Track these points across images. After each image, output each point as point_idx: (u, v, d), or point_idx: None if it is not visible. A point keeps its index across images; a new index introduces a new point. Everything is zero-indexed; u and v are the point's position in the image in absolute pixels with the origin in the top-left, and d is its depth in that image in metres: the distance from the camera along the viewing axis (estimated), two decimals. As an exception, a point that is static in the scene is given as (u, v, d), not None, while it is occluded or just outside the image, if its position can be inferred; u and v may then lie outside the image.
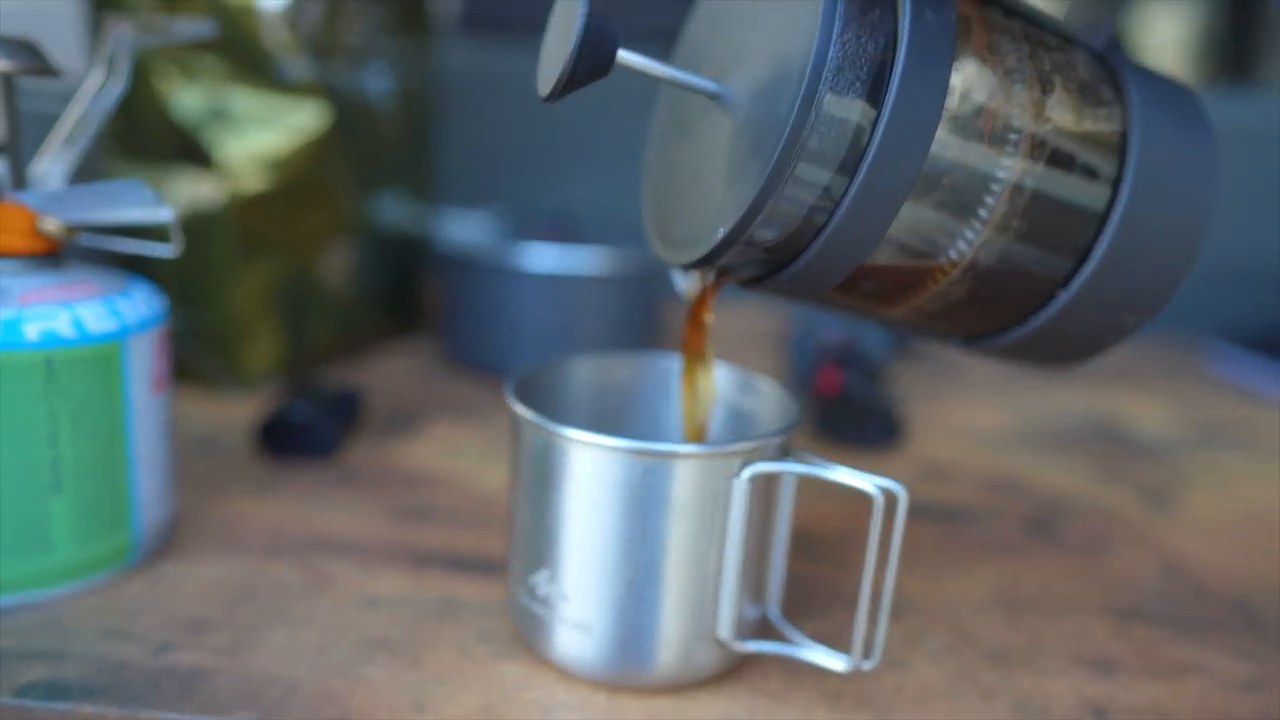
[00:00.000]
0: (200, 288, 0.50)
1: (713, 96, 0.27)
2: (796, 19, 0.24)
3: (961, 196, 0.25)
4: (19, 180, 0.31)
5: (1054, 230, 0.26)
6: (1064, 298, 0.27)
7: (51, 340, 0.29)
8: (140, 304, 0.32)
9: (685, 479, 0.27)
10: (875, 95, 0.23)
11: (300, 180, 0.52)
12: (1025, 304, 0.28)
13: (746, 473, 0.27)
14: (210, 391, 0.51)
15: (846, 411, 0.50)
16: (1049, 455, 0.52)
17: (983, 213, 0.25)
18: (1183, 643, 0.34)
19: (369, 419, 0.50)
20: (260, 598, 0.32)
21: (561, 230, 0.64)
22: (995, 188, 0.25)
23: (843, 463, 0.48)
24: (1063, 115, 0.26)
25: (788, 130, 0.23)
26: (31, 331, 0.29)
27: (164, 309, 0.33)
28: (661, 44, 0.83)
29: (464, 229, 0.64)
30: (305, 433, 0.43)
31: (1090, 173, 0.26)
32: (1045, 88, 0.26)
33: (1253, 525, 0.45)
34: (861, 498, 0.44)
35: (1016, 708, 0.29)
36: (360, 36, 0.54)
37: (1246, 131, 0.82)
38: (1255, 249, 0.83)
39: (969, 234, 0.26)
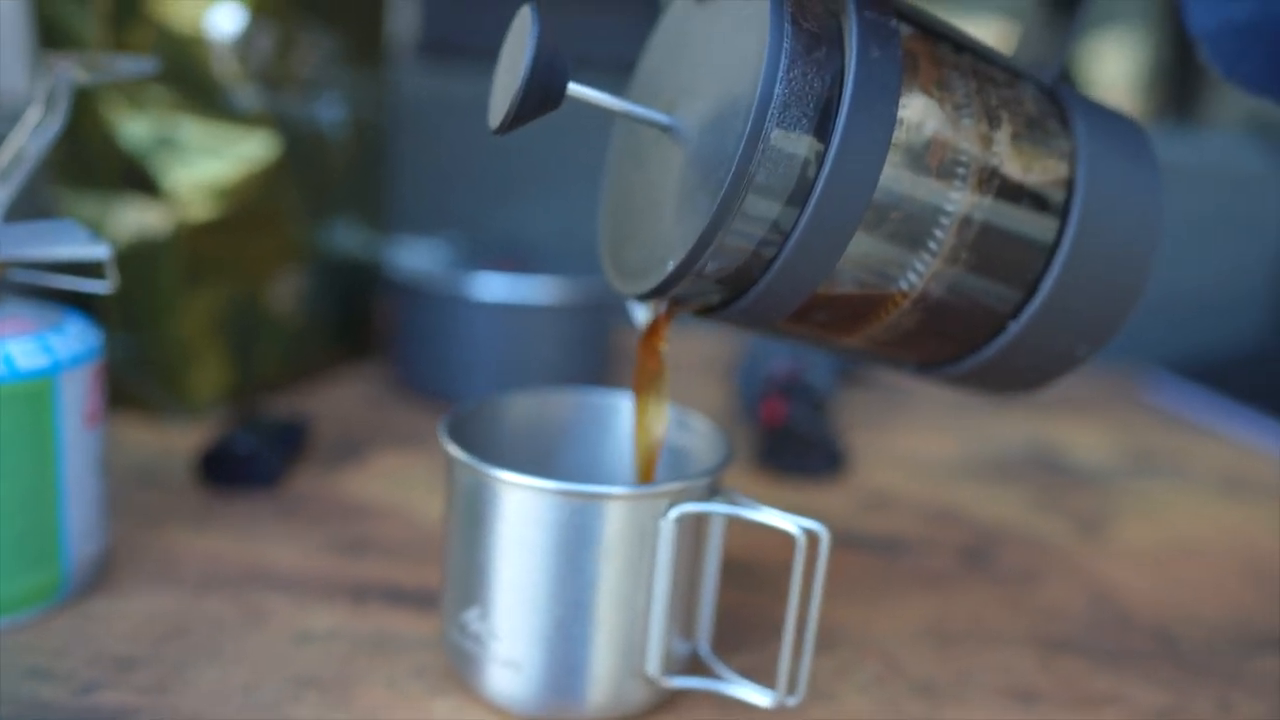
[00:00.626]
0: (146, 315, 0.50)
1: (665, 129, 0.27)
2: (745, 55, 0.25)
3: (910, 229, 0.26)
4: (-49, 214, 0.31)
5: (1003, 262, 0.27)
6: (1014, 328, 0.28)
7: (-20, 376, 0.29)
8: (74, 339, 0.32)
9: (614, 520, 0.27)
10: (823, 131, 0.24)
11: (248, 209, 0.52)
12: (977, 334, 0.28)
13: (674, 513, 0.27)
14: (154, 419, 0.51)
15: (790, 442, 0.51)
16: (988, 485, 0.53)
17: (932, 245, 0.26)
18: (1105, 673, 0.35)
19: (315, 447, 0.50)
20: (191, 634, 0.32)
21: (515, 259, 0.64)
22: (944, 220, 0.26)
23: (785, 493, 0.49)
24: (1010, 150, 0.27)
25: (734, 166, 0.23)
26: (-41, 368, 0.29)
27: (99, 344, 0.33)
28: (621, 75, 0.85)
29: (417, 256, 0.64)
30: (247, 463, 0.43)
31: (1038, 206, 0.27)
32: (993, 123, 0.26)
33: (1179, 555, 0.46)
34: (802, 528, 0.45)
35: (939, 740, 0.30)
36: (313, 68, 0.54)
37: (1189, 167, 0.85)
38: (1195, 282, 0.86)
39: (919, 266, 0.26)
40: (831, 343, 0.29)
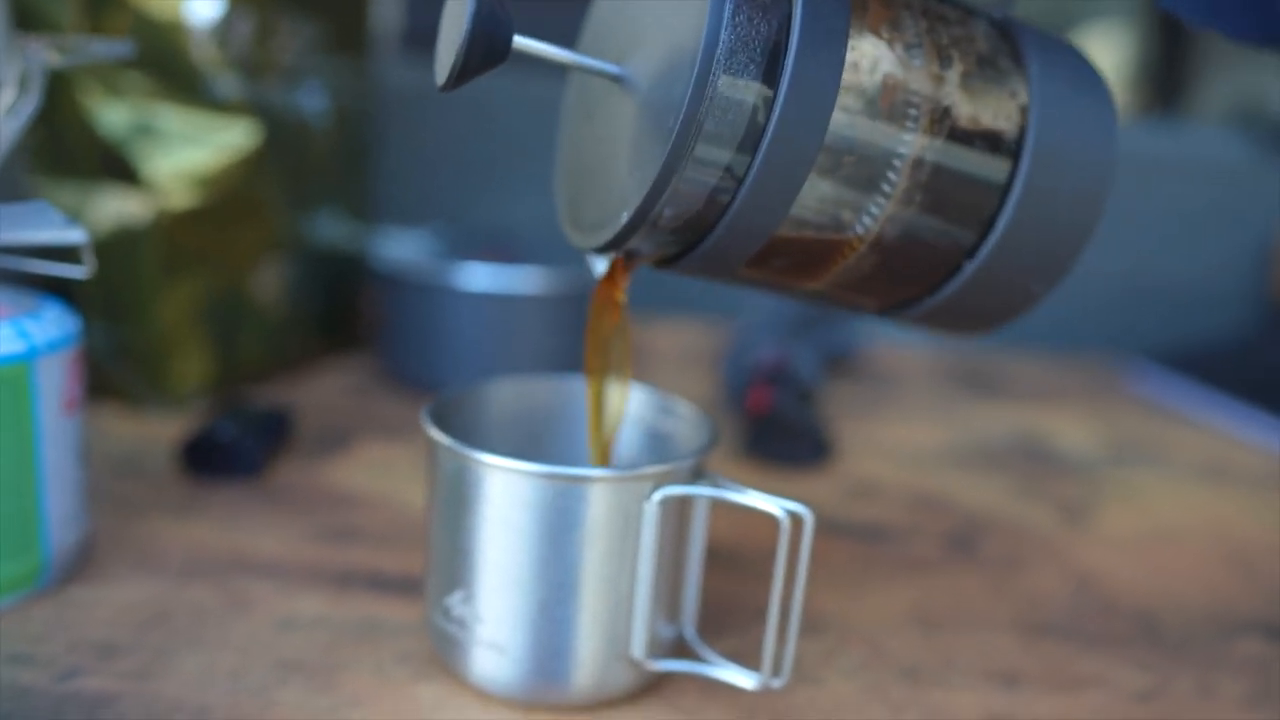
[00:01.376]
0: (126, 304, 0.49)
1: (615, 79, 0.27)
2: (691, 3, 0.24)
3: (863, 172, 0.26)
4: (-74, 198, 0.30)
5: (957, 203, 0.27)
6: (970, 268, 0.28)
7: (-44, 361, 0.29)
8: (51, 325, 0.32)
9: (597, 502, 0.27)
10: (771, 76, 0.24)
11: (229, 197, 0.51)
12: (934, 275, 0.28)
13: (657, 496, 0.27)
14: (136, 410, 0.51)
15: (776, 431, 0.51)
16: (974, 473, 0.53)
17: (886, 187, 0.26)
18: (1087, 656, 0.35)
19: (299, 438, 0.49)
20: (174, 621, 0.32)
21: (500, 249, 0.64)
22: (896, 162, 0.26)
23: (772, 482, 0.49)
24: (962, 90, 0.26)
25: (682, 114, 0.23)
26: (-65, 352, 0.28)
27: (77, 330, 0.33)
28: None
29: (402, 247, 0.64)
30: (230, 452, 0.43)
31: (992, 145, 0.27)
32: (944, 62, 0.26)
33: (1161, 541, 0.46)
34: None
35: (923, 722, 0.30)
36: (294, 55, 0.54)
37: (1174, 159, 0.85)
38: (1180, 274, 0.87)
39: (873, 209, 0.26)
40: (790, 288, 0.29)
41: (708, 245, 0.26)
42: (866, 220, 0.26)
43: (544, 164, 0.82)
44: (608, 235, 0.26)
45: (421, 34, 0.84)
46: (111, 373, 0.50)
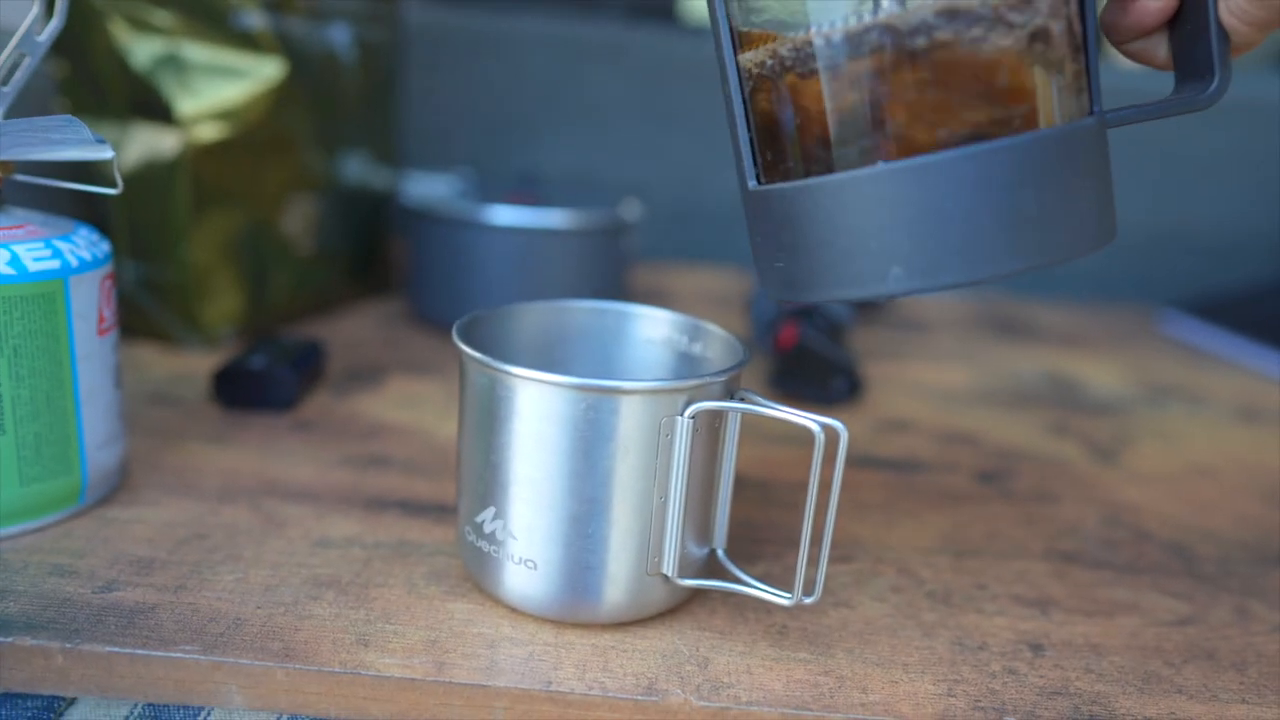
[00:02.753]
0: (157, 241, 0.49)
1: None
2: None
3: None
4: (-43, 117, 0.30)
5: None
6: None
7: (-9, 278, 0.29)
8: (83, 246, 0.32)
9: (630, 415, 0.27)
10: None
11: (258, 131, 0.51)
12: None
13: (690, 410, 0.27)
14: (170, 347, 0.51)
15: (807, 366, 0.50)
16: (1004, 412, 0.53)
17: None
18: (1120, 584, 0.35)
19: (330, 373, 0.50)
20: (210, 539, 0.32)
21: (528, 193, 0.63)
22: None
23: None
24: None
25: None
26: (-29, 269, 0.29)
27: (108, 252, 0.33)
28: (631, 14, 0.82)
29: (428, 189, 0.63)
30: (263, 382, 0.43)
31: None
32: None
33: (1194, 477, 0.46)
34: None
35: (955, 643, 0.30)
36: (318, -13, 0.53)
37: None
38: (1211, 219, 0.85)
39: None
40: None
41: None
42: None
43: (572, 107, 0.81)
44: None
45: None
46: (145, 310, 0.51)
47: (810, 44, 0.24)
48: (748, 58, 0.26)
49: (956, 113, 0.24)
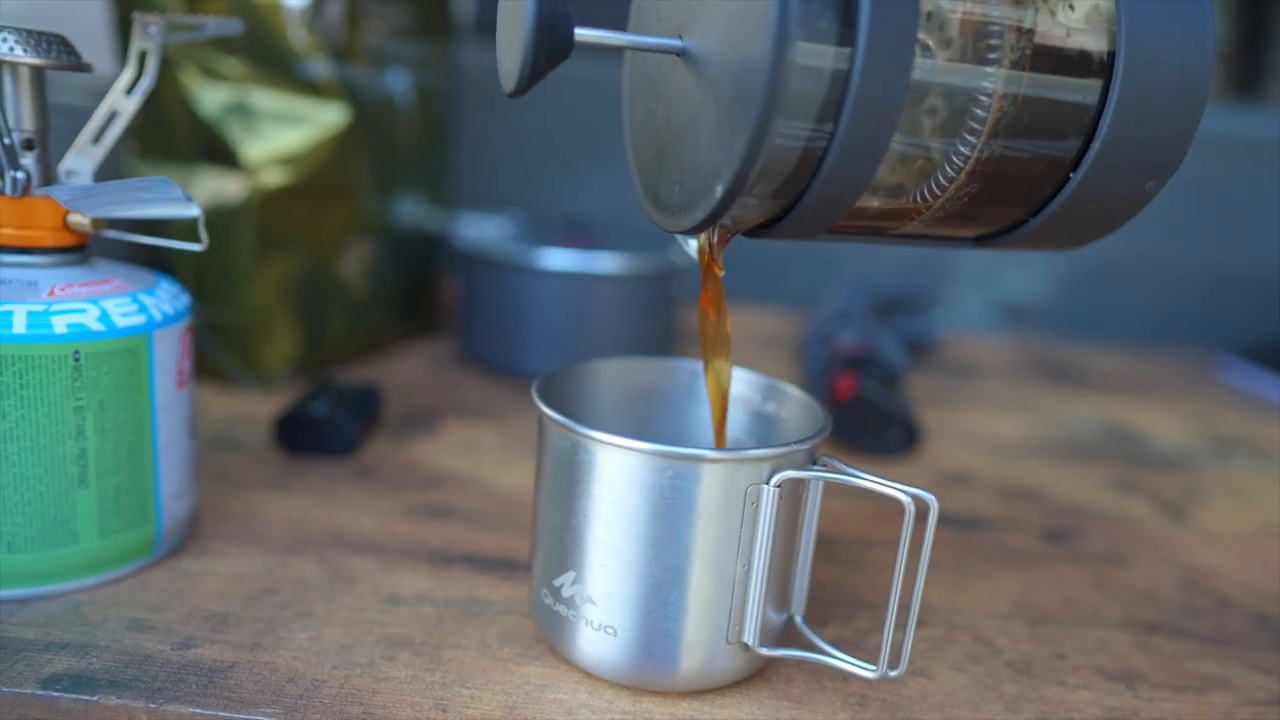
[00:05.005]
0: (220, 283, 0.50)
1: (679, 53, 0.26)
2: None
3: (954, 102, 0.25)
4: (48, 175, 0.31)
5: (1056, 113, 0.26)
6: (1076, 179, 0.27)
7: (80, 334, 0.29)
8: (166, 300, 0.32)
9: (713, 484, 0.26)
10: (846, 24, 0.23)
11: (320, 177, 0.52)
12: (1039, 192, 0.27)
13: (775, 478, 0.27)
14: (227, 387, 0.52)
15: (864, 417, 0.50)
16: (1064, 465, 0.52)
17: (979, 112, 0.25)
18: (1205, 656, 0.34)
19: (386, 417, 0.50)
20: (281, 594, 0.32)
21: (578, 235, 0.64)
22: (987, 85, 0.25)
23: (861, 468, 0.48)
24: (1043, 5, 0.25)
25: (768, 75, 0.22)
26: (59, 325, 0.29)
27: (189, 305, 0.33)
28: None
29: (481, 231, 0.64)
30: (324, 428, 0.43)
31: (1083, 45, 0.25)
32: None
33: (1269, 538, 0.44)
34: (878, 500, 0.44)
35: (1040, 719, 0.29)
36: (381, 39, 0.54)
37: (1255, 144, 0.81)
38: (1262, 262, 0.83)
39: (969, 137, 0.25)
40: (889, 233, 0.28)
41: (805, 204, 0.25)
42: (964, 150, 0.25)
43: (620, 149, 0.82)
44: (701, 213, 0.25)
45: (495, 23, 0.84)
46: (205, 350, 0.51)
47: None
48: None
49: None
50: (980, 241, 0.30)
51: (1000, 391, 0.65)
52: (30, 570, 0.30)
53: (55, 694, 0.26)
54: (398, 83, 0.57)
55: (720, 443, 0.31)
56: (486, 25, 0.84)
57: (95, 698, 0.26)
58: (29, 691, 0.26)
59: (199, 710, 0.26)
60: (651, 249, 0.59)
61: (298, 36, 0.49)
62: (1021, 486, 0.48)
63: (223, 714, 0.26)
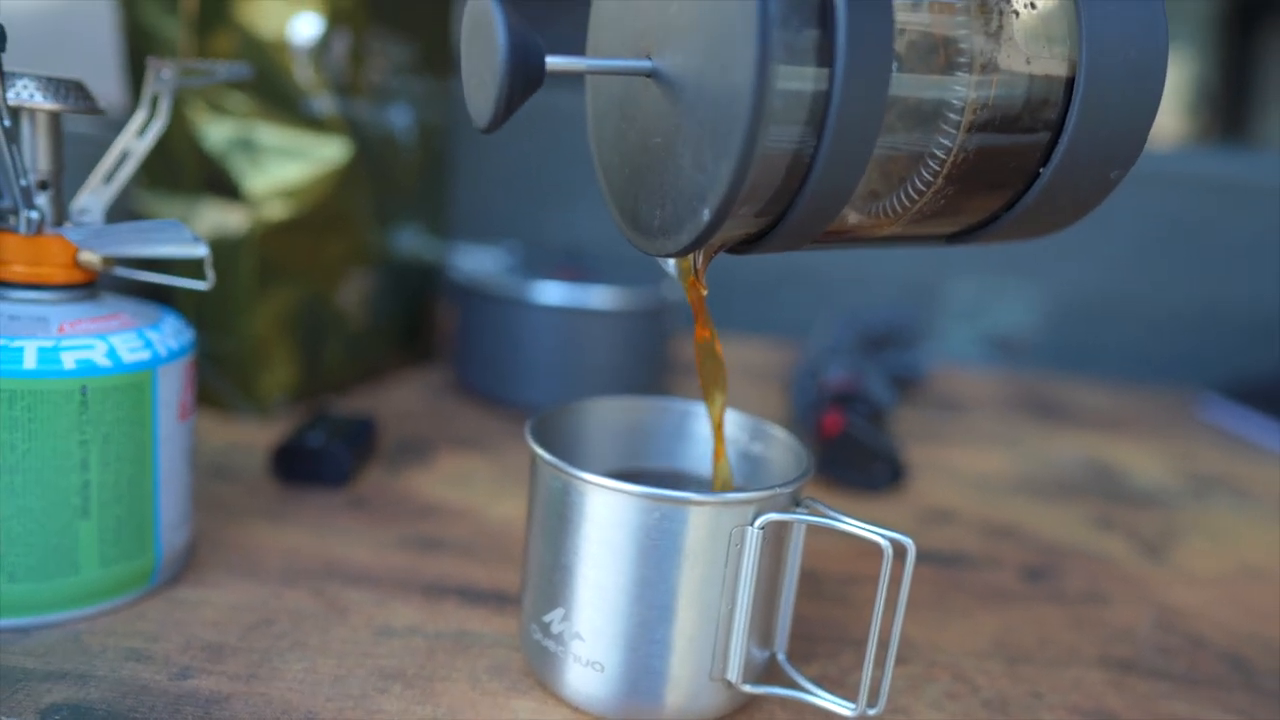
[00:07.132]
0: (220, 313, 0.51)
1: (650, 75, 0.26)
2: None
3: (926, 109, 0.26)
4: (60, 214, 0.32)
5: (1026, 112, 0.27)
6: (1046, 174, 0.28)
7: (87, 369, 0.30)
8: (170, 335, 0.33)
9: (698, 526, 0.27)
10: (823, 36, 0.23)
11: (321, 210, 0.53)
12: (1012, 188, 0.28)
13: (759, 521, 0.28)
14: (222, 414, 0.52)
15: (850, 453, 0.51)
16: (1046, 503, 0.53)
17: (953, 116, 0.26)
18: (1178, 696, 0.35)
19: (380, 447, 0.50)
20: (276, 625, 0.33)
21: (573, 267, 0.65)
22: (959, 89, 0.26)
23: (845, 505, 0.49)
24: (1016, 27, 0.26)
25: (751, 95, 0.22)
26: (68, 360, 0.30)
27: (192, 340, 0.34)
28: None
29: (476, 263, 0.65)
30: (320, 459, 0.44)
31: (1047, 46, 0.27)
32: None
33: (1247, 579, 0.45)
34: (862, 539, 0.45)
35: (1015, 757, 0.30)
36: (384, 75, 0.56)
37: (1239, 186, 0.83)
38: (1247, 302, 0.85)
39: (944, 141, 0.26)
40: (867, 238, 0.29)
41: (791, 219, 0.26)
42: (939, 154, 0.26)
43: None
44: (688, 236, 0.26)
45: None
46: (204, 378, 0.52)
47: None
48: None
49: None
50: (954, 239, 0.31)
51: (986, 426, 0.66)
52: (31, 600, 0.31)
53: (54, 723, 0.27)
54: (399, 118, 0.58)
55: (719, 468, 0.32)
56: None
57: (94, 728, 0.27)
58: (29, 721, 0.27)
59: (195, 741, 0.27)
60: (647, 281, 0.60)
61: (303, 74, 0.50)
62: (1003, 523, 0.49)
63: (218, 745, 0.26)
